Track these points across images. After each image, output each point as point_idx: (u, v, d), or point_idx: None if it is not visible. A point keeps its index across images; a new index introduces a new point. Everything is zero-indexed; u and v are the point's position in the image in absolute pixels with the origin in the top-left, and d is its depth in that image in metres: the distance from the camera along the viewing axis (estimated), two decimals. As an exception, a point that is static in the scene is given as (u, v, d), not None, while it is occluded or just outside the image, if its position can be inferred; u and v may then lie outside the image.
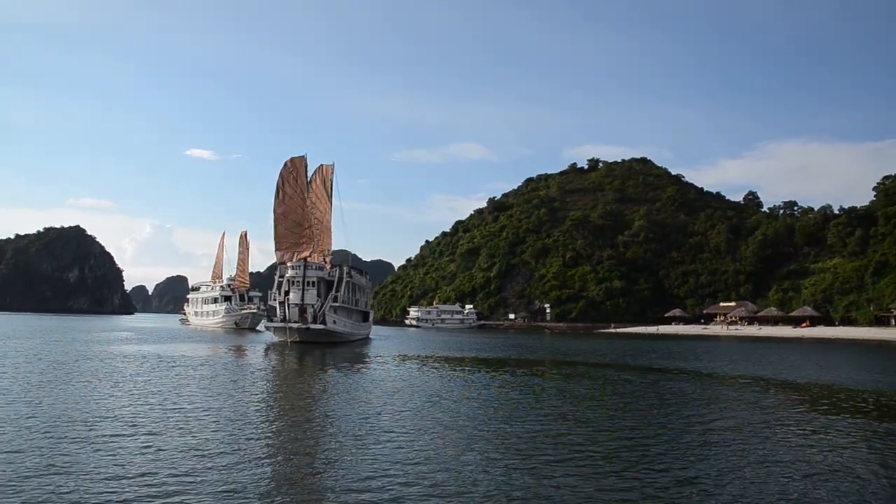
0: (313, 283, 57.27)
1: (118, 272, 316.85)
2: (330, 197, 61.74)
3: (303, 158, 59.77)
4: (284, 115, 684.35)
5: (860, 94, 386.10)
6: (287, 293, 56.97)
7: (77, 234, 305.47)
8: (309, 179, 61.57)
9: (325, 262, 60.46)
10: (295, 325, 52.60)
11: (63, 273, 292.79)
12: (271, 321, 55.62)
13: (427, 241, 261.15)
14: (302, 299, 55.88)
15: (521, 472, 12.05)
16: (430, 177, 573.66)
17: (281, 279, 58.50)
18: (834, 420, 19.26)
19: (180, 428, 15.29)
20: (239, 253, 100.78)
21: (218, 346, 51.78)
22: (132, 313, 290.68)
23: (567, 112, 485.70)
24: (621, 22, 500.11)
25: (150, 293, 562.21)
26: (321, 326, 53.24)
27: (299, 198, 58.12)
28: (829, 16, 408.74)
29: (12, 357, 34.01)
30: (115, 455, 12.37)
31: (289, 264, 58.38)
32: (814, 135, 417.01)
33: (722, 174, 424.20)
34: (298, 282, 56.83)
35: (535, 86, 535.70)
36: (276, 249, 59.06)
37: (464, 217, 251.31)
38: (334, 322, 55.60)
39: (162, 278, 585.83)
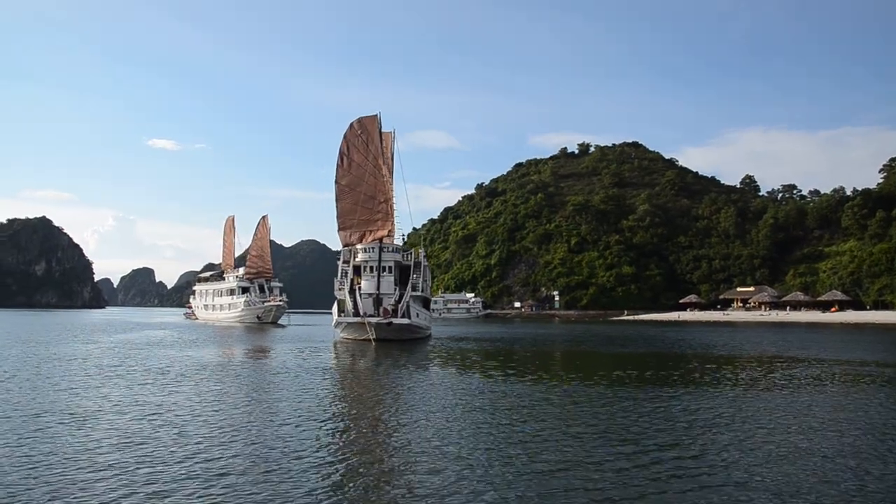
0: (389, 268, 47.85)
1: (87, 264, 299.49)
2: (391, 169, 51.73)
3: (375, 118, 48.58)
4: (248, 107, 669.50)
5: (815, 85, 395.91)
6: (354, 281, 47.41)
7: (43, 225, 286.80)
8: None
9: (400, 244, 50.66)
10: (374, 321, 42.52)
11: (29, 266, 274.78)
12: (341, 315, 45.61)
13: (414, 229, 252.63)
14: (377, 288, 46.51)
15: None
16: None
17: (345, 265, 48.85)
18: None
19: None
20: (258, 239, 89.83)
21: (277, 348, 42.42)
22: (103, 307, 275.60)
23: (528, 101, 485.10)
24: (579, 12, 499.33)
25: (115, 286, 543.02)
26: (406, 321, 43.77)
27: (372, 165, 47.57)
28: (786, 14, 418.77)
29: (58, 368, 24.96)
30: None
31: (359, 246, 48.77)
32: (772, 123, 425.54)
33: (687, 161, 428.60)
34: (372, 267, 47.41)
35: (495, 74, 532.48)
36: (340, 229, 48.91)
37: (438, 205, 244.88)
38: (417, 315, 46.48)
39: (126, 270, 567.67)
